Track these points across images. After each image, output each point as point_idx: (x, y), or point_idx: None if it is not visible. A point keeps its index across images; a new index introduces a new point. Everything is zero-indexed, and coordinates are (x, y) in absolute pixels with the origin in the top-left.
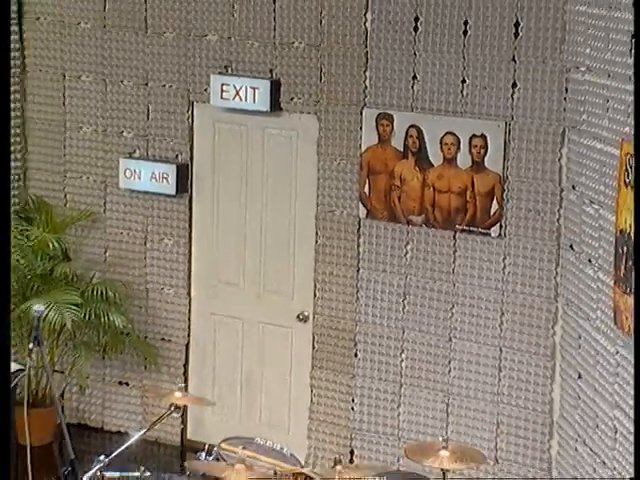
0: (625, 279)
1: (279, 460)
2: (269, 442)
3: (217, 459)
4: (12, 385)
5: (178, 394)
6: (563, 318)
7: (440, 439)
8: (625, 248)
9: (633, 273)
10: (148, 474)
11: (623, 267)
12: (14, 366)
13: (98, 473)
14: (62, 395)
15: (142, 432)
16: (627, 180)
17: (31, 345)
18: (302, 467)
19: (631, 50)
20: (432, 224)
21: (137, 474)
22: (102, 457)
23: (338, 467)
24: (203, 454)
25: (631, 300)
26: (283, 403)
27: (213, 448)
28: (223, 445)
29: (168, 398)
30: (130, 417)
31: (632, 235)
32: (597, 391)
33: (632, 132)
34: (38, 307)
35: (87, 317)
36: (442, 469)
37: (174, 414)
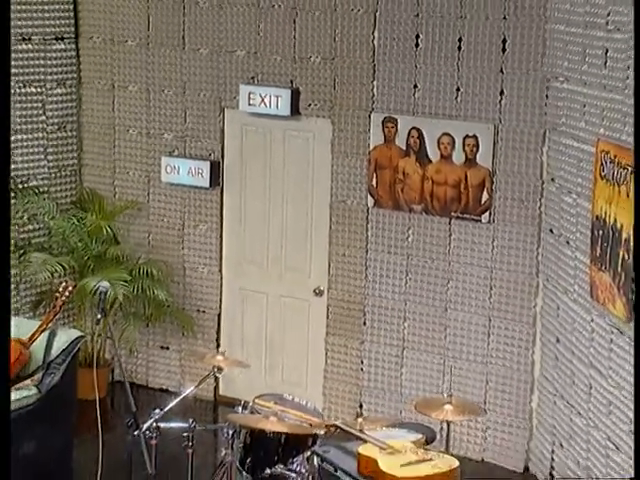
0: (600, 258)
1: (304, 413)
2: (296, 398)
3: (252, 412)
4: (75, 350)
5: (220, 357)
6: (543, 291)
7: (445, 395)
8: (601, 232)
9: (609, 255)
10: (195, 425)
11: (599, 248)
12: (74, 333)
13: (154, 424)
14: (112, 358)
15: (191, 389)
16: (602, 173)
17: (99, 316)
18: (323, 419)
19: (605, 63)
20: (430, 212)
21: (187, 425)
22: (157, 410)
23: (359, 419)
24: (240, 408)
25: (606, 276)
26: (301, 364)
27: (248, 403)
28: (257, 400)
29: (211, 361)
30: (170, 376)
31: (607, 220)
32: (574, 353)
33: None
34: (105, 284)
35: (135, 291)
36: (447, 421)
37: (216, 374)
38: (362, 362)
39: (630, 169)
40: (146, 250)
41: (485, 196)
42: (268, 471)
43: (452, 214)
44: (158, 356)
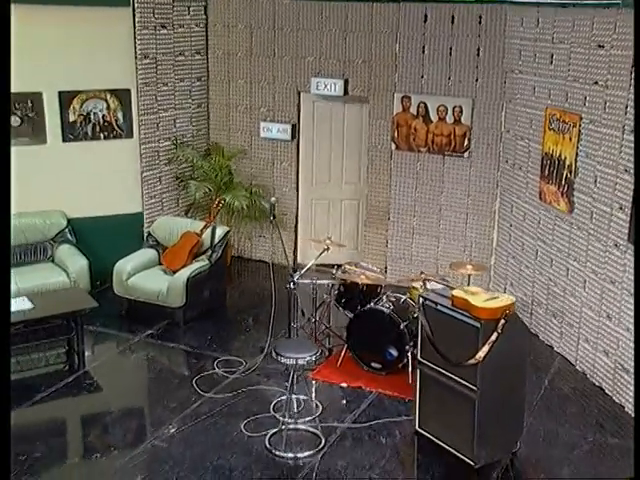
0: (548, 177)
1: (375, 273)
2: (369, 264)
3: (343, 272)
4: (226, 238)
5: (328, 241)
6: (501, 197)
7: (466, 259)
8: (548, 161)
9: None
10: (314, 280)
11: (547, 170)
12: (225, 228)
13: (296, 280)
14: (233, 243)
15: (313, 261)
16: (550, 127)
17: (271, 218)
18: (386, 277)
19: (551, 62)
20: (432, 152)
21: (311, 281)
22: (297, 272)
23: (423, 275)
24: (334, 270)
25: (552, 187)
26: (350, 245)
27: (340, 266)
28: (346, 265)
29: (321, 245)
30: (265, 253)
31: (554, 154)
32: (524, 232)
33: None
34: (273, 199)
35: (250, 203)
36: (468, 274)
37: (326, 251)
38: (387, 242)
39: (571, 124)
40: (252, 178)
41: (466, 142)
42: (367, 306)
43: (445, 153)
44: (259, 240)
